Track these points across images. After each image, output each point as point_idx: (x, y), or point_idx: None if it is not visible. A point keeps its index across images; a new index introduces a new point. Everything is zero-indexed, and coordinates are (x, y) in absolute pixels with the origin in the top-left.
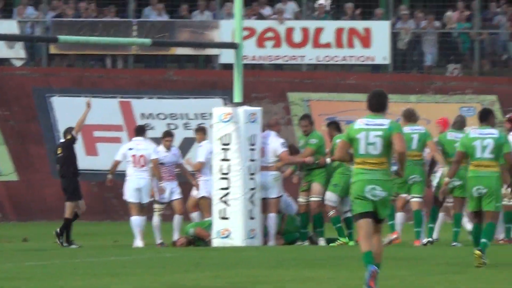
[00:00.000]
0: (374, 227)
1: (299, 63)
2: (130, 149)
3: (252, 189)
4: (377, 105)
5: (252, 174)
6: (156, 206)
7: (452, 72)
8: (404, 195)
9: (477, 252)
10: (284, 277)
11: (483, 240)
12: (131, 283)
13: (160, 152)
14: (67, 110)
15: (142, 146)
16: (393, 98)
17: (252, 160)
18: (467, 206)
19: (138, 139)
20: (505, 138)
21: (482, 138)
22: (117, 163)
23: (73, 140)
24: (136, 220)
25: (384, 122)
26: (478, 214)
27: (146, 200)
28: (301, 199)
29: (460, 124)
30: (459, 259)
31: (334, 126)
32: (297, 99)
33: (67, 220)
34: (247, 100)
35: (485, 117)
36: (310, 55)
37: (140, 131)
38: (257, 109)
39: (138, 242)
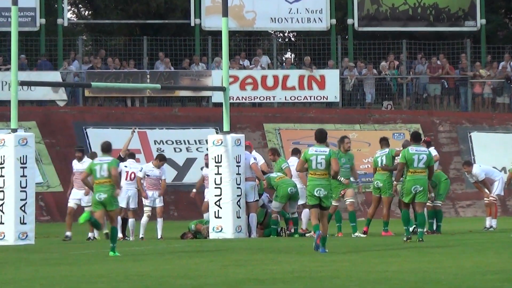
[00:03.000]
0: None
1: (271, 102)
2: (125, 166)
3: (238, 195)
4: (320, 138)
5: (238, 184)
6: (145, 208)
7: (386, 107)
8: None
9: None
10: (263, 260)
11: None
12: (149, 266)
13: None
14: (98, 138)
15: (134, 166)
16: (342, 127)
17: (238, 174)
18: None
19: (131, 160)
20: (431, 154)
21: (419, 153)
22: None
23: (119, 158)
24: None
25: (326, 149)
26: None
27: (132, 206)
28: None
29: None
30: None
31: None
32: (270, 129)
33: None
34: (233, 129)
35: (419, 138)
36: (279, 95)
37: (131, 155)
38: (241, 136)
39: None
